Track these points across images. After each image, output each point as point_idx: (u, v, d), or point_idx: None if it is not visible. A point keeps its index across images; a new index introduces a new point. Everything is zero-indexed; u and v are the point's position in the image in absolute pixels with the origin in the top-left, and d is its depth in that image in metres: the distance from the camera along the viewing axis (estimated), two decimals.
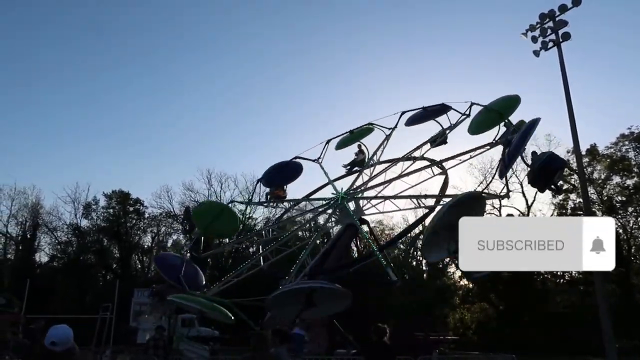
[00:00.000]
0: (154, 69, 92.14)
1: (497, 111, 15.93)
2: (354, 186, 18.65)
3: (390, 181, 18.21)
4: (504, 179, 14.59)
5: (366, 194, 18.55)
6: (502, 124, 15.81)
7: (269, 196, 21.17)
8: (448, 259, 39.57)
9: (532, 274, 38.95)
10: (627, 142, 37.34)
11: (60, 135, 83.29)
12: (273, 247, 17.64)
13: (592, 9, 71.87)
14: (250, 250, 21.99)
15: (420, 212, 18.15)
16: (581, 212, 34.91)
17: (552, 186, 15.08)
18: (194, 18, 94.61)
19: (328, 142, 21.01)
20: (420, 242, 12.76)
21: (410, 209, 19.94)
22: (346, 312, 12.77)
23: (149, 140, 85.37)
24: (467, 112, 17.99)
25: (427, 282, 41.30)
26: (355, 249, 26.31)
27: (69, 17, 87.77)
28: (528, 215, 39.71)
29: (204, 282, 16.96)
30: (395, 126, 19.92)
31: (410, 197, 16.74)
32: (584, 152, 34.75)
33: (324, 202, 18.95)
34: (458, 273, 43.46)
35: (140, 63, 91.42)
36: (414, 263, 45.32)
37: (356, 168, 20.46)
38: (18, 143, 77.33)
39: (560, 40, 22.86)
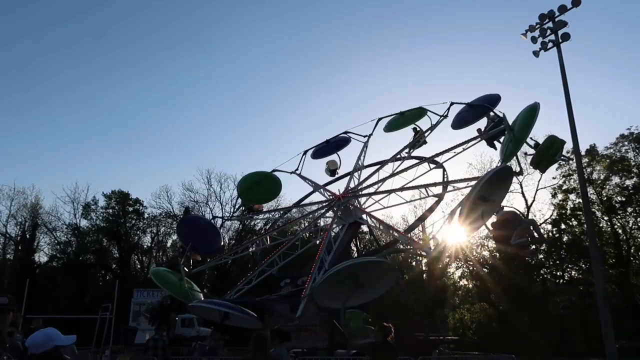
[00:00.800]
0: (154, 70, 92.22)
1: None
2: (349, 188, 18.71)
3: (387, 178, 18.27)
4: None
5: (365, 192, 18.62)
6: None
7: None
8: (448, 259, 39.72)
9: (532, 275, 39.00)
10: (626, 143, 37.35)
11: (60, 136, 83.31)
12: (280, 251, 17.72)
13: (592, 9, 71.88)
14: (250, 251, 21.91)
15: (420, 209, 18.25)
16: (580, 212, 34.93)
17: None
18: (194, 19, 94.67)
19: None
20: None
21: (417, 199, 20.13)
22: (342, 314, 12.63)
23: (149, 141, 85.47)
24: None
25: (427, 281, 41.26)
26: (355, 248, 26.30)
27: (69, 19, 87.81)
28: (528, 215, 39.73)
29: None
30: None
31: (417, 187, 16.83)
32: (583, 153, 34.73)
33: (324, 204, 19.00)
34: (458, 273, 43.50)
35: (140, 64, 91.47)
36: (413, 263, 45.31)
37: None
38: (18, 143, 77.33)
39: (560, 40, 22.81)
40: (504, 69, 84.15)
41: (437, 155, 17.73)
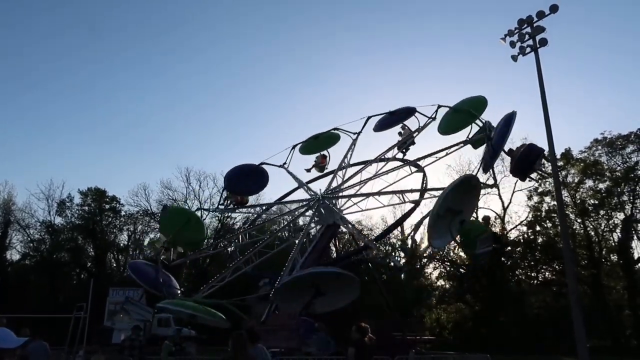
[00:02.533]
0: (132, 64, 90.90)
1: (468, 111, 16.29)
2: (330, 188, 18.75)
3: (368, 180, 18.43)
4: (491, 170, 14.89)
5: (345, 193, 18.68)
6: (473, 123, 16.27)
7: (227, 200, 21.21)
8: (426, 259, 40.12)
9: (508, 275, 39.65)
10: (600, 147, 38.24)
11: (35, 131, 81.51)
12: (256, 249, 17.58)
13: (570, 15, 73.39)
14: (229, 250, 21.74)
15: (399, 210, 18.44)
16: (555, 215, 35.64)
17: (534, 173, 15.62)
18: (172, 12, 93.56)
19: (294, 147, 21.27)
20: (426, 227, 12.80)
21: (395, 204, 20.35)
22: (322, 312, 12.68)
23: (127, 137, 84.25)
24: (434, 115, 18.47)
25: (405, 280, 41.53)
26: (334, 248, 26.36)
27: (51, 13, 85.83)
28: (504, 216, 40.38)
29: (178, 289, 16.84)
30: (361, 131, 20.43)
31: (395, 192, 17.00)
32: (558, 156, 35.42)
33: (303, 203, 18.99)
34: (435, 274, 43.94)
35: (118, 58, 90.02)
36: (392, 264, 45.54)
37: (326, 171, 20.75)
38: None
39: (538, 46, 23.20)
40: (484, 72, 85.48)
41: (420, 159, 17.91)
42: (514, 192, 40.17)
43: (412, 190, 16.64)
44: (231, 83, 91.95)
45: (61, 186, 51.03)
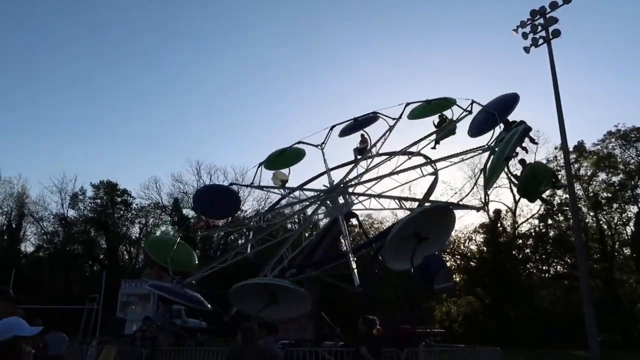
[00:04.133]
0: (143, 55, 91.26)
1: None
2: (347, 179, 18.56)
3: (380, 178, 18.13)
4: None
5: (357, 188, 18.51)
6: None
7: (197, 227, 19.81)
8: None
9: (519, 269, 39.48)
10: (613, 140, 37.76)
11: (48, 125, 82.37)
12: (260, 236, 17.47)
13: (583, 4, 72.25)
14: (239, 242, 21.73)
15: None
16: (567, 208, 35.37)
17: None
18: (185, 7, 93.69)
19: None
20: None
21: (394, 209, 19.79)
22: (331, 304, 12.74)
23: (138, 131, 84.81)
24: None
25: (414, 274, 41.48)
26: (343, 242, 26.35)
27: (53, 6, 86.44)
28: (515, 209, 40.13)
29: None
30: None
31: (393, 197, 16.53)
32: (571, 149, 35.09)
33: (314, 195, 18.90)
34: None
35: (129, 50, 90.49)
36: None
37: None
38: (4, 131, 76.30)
39: (550, 37, 22.99)
40: (495, 64, 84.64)
41: (437, 160, 17.38)
42: None
43: (407, 199, 16.35)
44: (242, 74, 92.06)
45: (74, 179, 51.70)
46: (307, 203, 19.02)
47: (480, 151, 15.81)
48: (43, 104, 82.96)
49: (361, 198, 17.57)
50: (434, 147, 18.36)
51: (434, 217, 11.62)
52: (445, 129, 17.99)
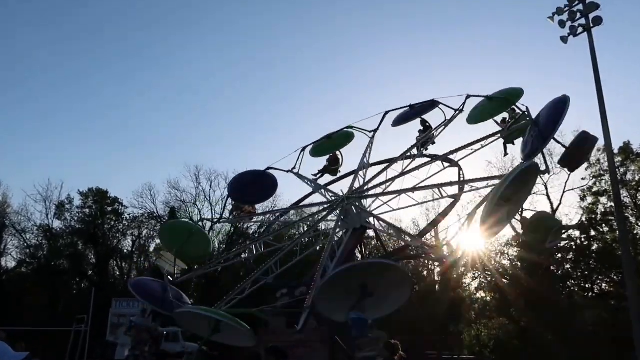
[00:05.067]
0: (131, 52, 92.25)
1: (504, 98, 16.09)
2: (353, 189, 18.71)
3: (396, 177, 18.28)
4: (542, 156, 14.66)
5: (372, 193, 18.63)
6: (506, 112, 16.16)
7: (234, 212, 21.31)
8: (464, 268, 39.72)
9: (558, 287, 39.00)
10: None
11: (31, 129, 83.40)
12: (276, 258, 17.68)
13: None
14: (242, 258, 21.88)
15: (433, 211, 18.17)
16: (612, 218, 34.91)
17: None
18: (181, 7, 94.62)
19: (303, 149, 21.28)
20: (480, 218, 12.95)
21: (431, 201, 19.96)
22: (347, 327, 12.63)
23: (131, 134, 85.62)
24: (462, 107, 18.22)
25: (440, 293, 41.32)
26: (359, 256, 26.33)
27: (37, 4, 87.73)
28: None
29: (190, 304, 17.02)
30: (378, 127, 20.28)
31: (432, 187, 16.87)
32: (616, 151, 34.68)
33: (326, 205, 18.99)
34: (474, 284, 43.51)
35: (120, 51, 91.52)
36: (425, 272, 45.36)
37: (340, 174, 20.74)
38: None
39: (591, 25, 22.83)
40: (528, 56, 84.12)
41: (452, 152, 17.75)
42: (564, 192, 39.54)
43: (450, 184, 16.45)
44: (242, 77, 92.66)
45: (60, 187, 51.90)
46: (323, 214, 19.14)
47: (500, 136, 16.35)
48: (27, 106, 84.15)
49: (386, 198, 17.75)
50: (505, 154, 18.95)
51: (520, 180, 12.43)
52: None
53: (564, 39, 23.89)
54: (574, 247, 38.84)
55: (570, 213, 42.10)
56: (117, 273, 52.24)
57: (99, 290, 35.00)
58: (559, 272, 39.49)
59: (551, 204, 39.59)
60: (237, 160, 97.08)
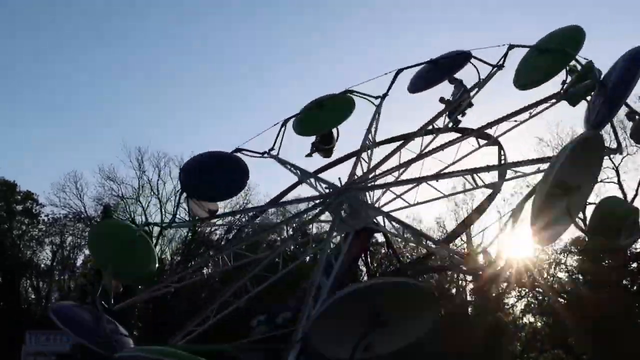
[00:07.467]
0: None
1: (561, 50, 15.96)
2: (354, 177, 18.62)
3: (412, 161, 18.21)
4: (611, 128, 14.63)
5: (380, 183, 18.57)
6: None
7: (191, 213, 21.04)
8: (506, 284, 39.91)
9: (633, 308, 39.20)
10: None
11: None
12: (252, 273, 17.73)
13: None
14: (204, 272, 21.82)
15: (464, 209, 18.09)
16: None
17: None
18: None
19: (285, 123, 20.99)
20: (530, 218, 12.65)
21: (461, 192, 19.92)
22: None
23: (49, 107, 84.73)
24: (501, 62, 18.17)
25: (474, 317, 41.49)
26: (364, 269, 26.35)
27: None
28: None
29: (131, 344, 16.87)
30: (387, 92, 20.20)
31: (462, 172, 16.74)
32: None
33: (317, 200, 18.89)
34: (520, 305, 43.70)
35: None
36: (454, 290, 45.47)
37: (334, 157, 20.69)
38: None
39: None
40: None
41: (489, 125, 17.69)
42: None
43: (488, 168, 16.30)
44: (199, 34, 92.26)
45: None
46: (310, 215, 19.07)
47: (555, 101, 16.44)
48: None
49: (399, 190, 17.65)
50: (456, 124, 18.90)
51: (581, 160, 12.09)
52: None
53: None
54: None
55: None
56: (32, 296, 52.10)
57: (7, 319, 34.68)
58: (634, 287, 39.71)
59: (624, 194, 39.70)
60: (196, 141, 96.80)
